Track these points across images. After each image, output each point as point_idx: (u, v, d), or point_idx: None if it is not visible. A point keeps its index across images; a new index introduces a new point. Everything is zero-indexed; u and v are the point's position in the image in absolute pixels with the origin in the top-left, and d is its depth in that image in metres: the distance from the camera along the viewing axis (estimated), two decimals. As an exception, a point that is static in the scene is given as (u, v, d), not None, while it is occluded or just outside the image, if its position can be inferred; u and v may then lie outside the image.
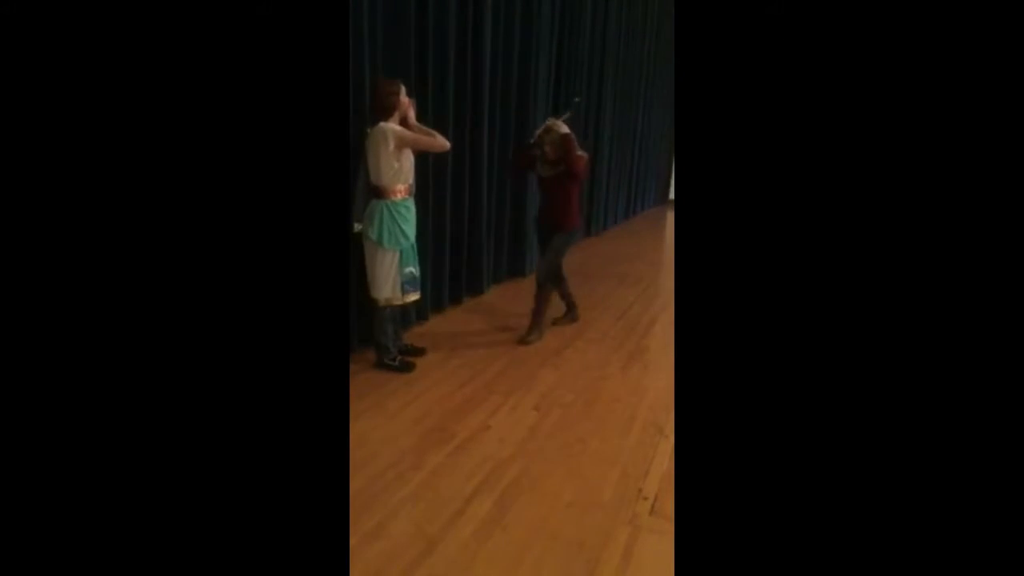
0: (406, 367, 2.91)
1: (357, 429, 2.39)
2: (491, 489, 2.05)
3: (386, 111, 2.62)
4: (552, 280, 3.42)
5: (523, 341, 3.35)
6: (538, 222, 3.49)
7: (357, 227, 2.77)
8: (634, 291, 4.57)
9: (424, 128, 2.76)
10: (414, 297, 2.88)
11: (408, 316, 3.37)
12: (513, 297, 4.23)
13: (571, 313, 3.71)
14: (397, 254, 2.73)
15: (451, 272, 3.79)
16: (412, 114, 2.71)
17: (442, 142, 2.74)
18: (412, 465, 2.17)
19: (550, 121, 3.26)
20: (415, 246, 2.82)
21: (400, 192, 2.69)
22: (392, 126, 2.60)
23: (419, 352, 3.11)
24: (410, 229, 2.75)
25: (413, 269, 2.79)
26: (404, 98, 2.65)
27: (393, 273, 2.74)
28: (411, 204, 2.76)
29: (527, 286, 4.53)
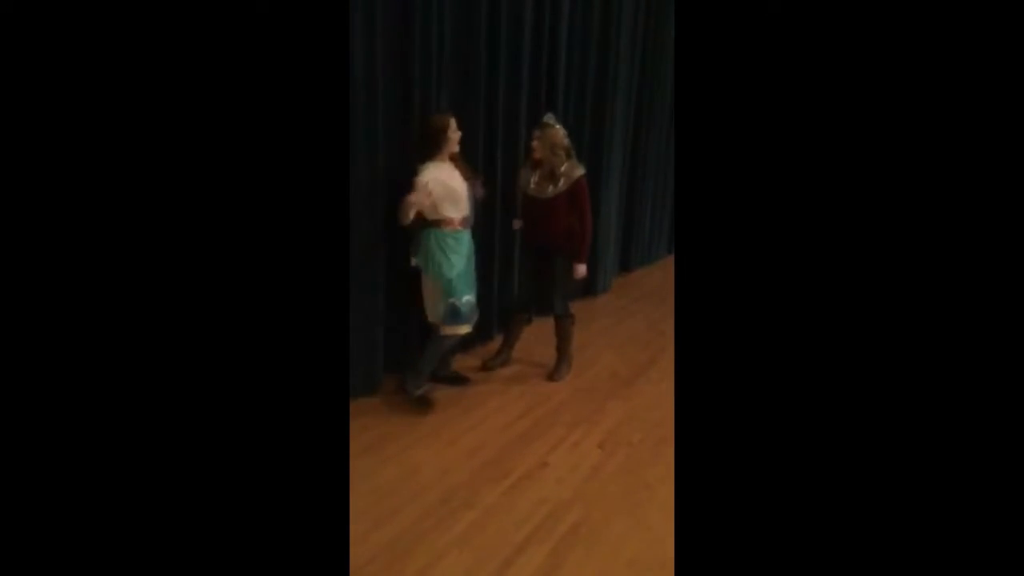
0: (421, 404, 2.67)
1: (411, 458, 2.30)
2: (545, 537, 1.89)
3: (434, 145, 2.48)
4: (568, 309, 3.03)
5: (551, 378, 3.02)
6: (528, 244, 3.00)
7: (414, 261, 2.66)
8: (716, 315, 4.25)
9: (468, 168, 2.62)
10: (458, 330, 2.63)
11: (470, 338, 3.25)
12: (583, 319, 4.04)
13: (505, 354, 3.19)
14: (439, 284, 2.56)
15: (518, 293, 3.64)
16: (456, 147, 2.54)
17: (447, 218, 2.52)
18: (464, 503, 2.05)
19: (547, 117, 2.80)
20: (464, 278, 2.60)
21: (450, 223, 2.53)
22: (426, 178, 2.45)
23: (463, 381, 2.96)
24: (458, 260, 2.55)
25: (456, 301, 2.59)
26: (452, 134, 2.50)
27: (437, 301, 2.60)
28: (462, 236, 2.58)
29: (599, 306, 4.34)
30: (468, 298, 2.62)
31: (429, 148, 2.50)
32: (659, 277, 5.18)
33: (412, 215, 2.46)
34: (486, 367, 3.11)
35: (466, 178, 2.58)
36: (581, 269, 2.89)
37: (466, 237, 2.62)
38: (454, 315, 2.59)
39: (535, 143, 2.78)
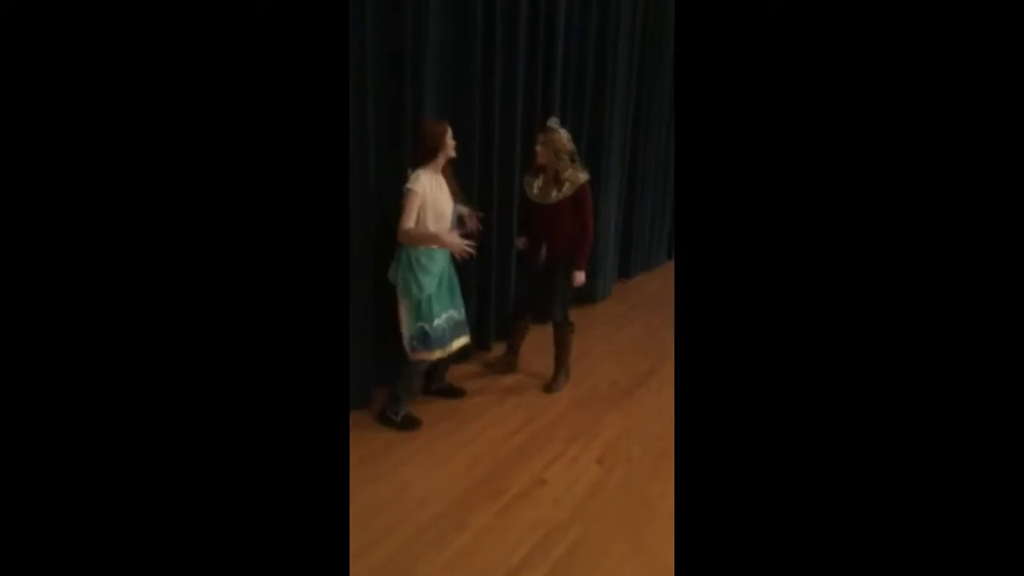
0: (408, 425, 2.54)
1: (402, 475, 2.21)
2: (541, 561, 1.80)
3: (429, 152, 2.38)
4: (567, 317, 2.93)
5: (549, 389, 2.93)
6: (529, 249, 2.89)
7: (391, 277, 2.53)
8: (717, 322, 4.17)
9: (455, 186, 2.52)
10: (429, 356, 2.47)
11: (466, 348, 3.17)
12: (583, 327, 3.95)
13: (509, 359, 3.14)
14: (409, 305, 2.44)
15: (517, 297, 3.55)
16: (453, 153, 2.45)
17: (450, 243, 2.36)
18: (455, 524, 1.96)
19: (551, 121, 2.69)
20: (438, 299, 2.46)
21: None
22: (419, 186, 2.32)
23: (458, 394, 2.87)
24: (428, 280, 2.41)
25: (425, 325, 2.42)
26: (450, 140, 2.40)
27: (408, 323, 2.46)
28: (436, 255, 2.43)
29: (598, 313, 4.25)
30: (440, 322, 2.47)
31: (423, 154, 2.39)
32: (659, 283, 5.09)
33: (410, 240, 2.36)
34: (489, 367, 3.11)
35: (454, 195, 2.49)
36: (580, 276, 2.81)
37: (441, 256, 2.47)
38: (423, 339, 2.45)
39: (539, 148, 2.70)
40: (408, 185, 2.34)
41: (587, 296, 4.38)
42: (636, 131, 4.76)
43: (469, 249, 2.38)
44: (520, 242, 2.98)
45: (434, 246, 2.40)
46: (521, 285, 3.12)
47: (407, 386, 2.54)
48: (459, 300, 2.62)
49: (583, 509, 2.06)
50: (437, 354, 2.49)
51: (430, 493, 2.11)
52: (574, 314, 4.18)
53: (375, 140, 2.48)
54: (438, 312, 2.46)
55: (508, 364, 3.14)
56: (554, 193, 2.71)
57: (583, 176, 2.72)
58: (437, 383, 2.86)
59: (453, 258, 2.55)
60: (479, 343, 3.34)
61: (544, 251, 2.82)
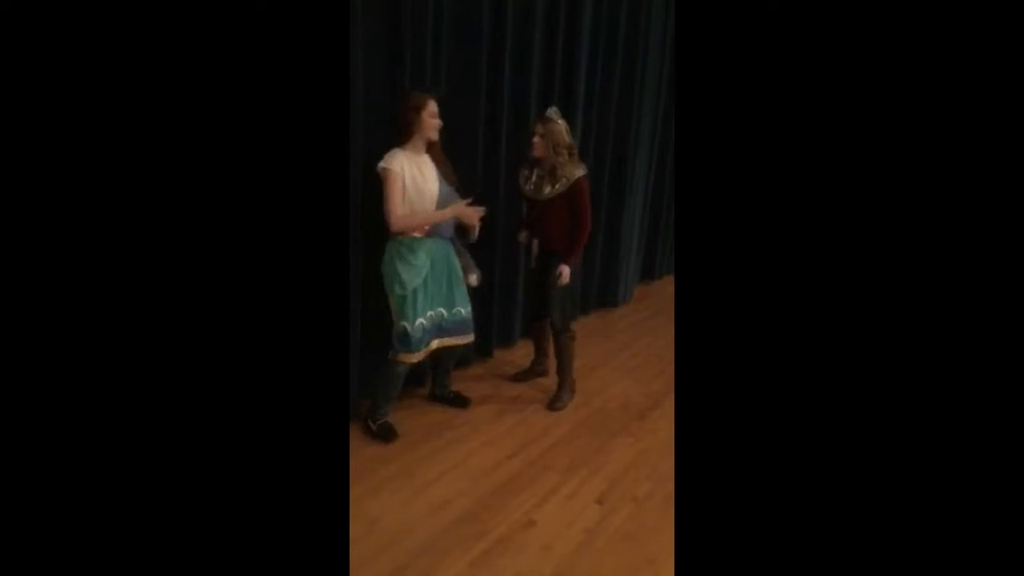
0: (383, 434, 2.31)
1: (369, 508, 1.95)
2: (516, 630, 1.52)
3: (402, 132, 2.14)
4: (568, 322, 2.64)
5: (553, 407, 2.66)
6: (528, 247, 2.76)
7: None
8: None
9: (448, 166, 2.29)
10: (408, 358, 2.24)
11: (467, 355, 2.89)
12: (599, 334, 3.64)
13: (539, 365, 2.95)
14: (392, 301, 2.23)
15: (525, 298, 3.25)
16: (434, 134, 2.19)
17: (455, 213, 2.20)
18: (422, 573, 1.69)
19: (550, 111, 2.48)
20: (423, 296, 2.24)
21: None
22: (394, 164, 2.10)
23: (462, 403, 2.63)
24: (411, 275, 2.18)
25: (407, 325, 2.20)
26: (429, 117, 2.13)
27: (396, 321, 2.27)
28: (421, 246, 2.19)
29: (617, 319, 3.93)
30: (422, 321, 2.24)
31: (400, 132, 2.14)
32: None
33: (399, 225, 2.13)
34: (520, 377, 2.93)
35: (446, 178, 2.25)
36: (565, 272, 2.53)
37: (427, 247, 2.23)
38: (403, 340, 2.23)
39: (536, 139, 2.49)
40: (381, 164, 2.09)
41: (607, 300, 4.06)
42: (668, 120, 4.38)
43: (478, 214, 2.22)
44: (522, 236, 2.74)
45: (438, 220, 2.19)
46: (528, 286, 2.90)
47: (386, 391, 2.32)
48: (460, 296, 2.37)
49: (573, 563, 1.76)
50: (416, 357, 2.27)
51: (400, 531, 1.84)
52: (591, 319, 3.87)
53: (364, 126, 2.19)
54: (421, 311, 2.23)
55: (538, 369, 2.95)
56: (548, 188, 2.51)
57: (580, 171, 2.49)
58: (440, 389, 2.64)
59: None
60: (480, 349, 3.07)
61: (535, 249, 2.65)
